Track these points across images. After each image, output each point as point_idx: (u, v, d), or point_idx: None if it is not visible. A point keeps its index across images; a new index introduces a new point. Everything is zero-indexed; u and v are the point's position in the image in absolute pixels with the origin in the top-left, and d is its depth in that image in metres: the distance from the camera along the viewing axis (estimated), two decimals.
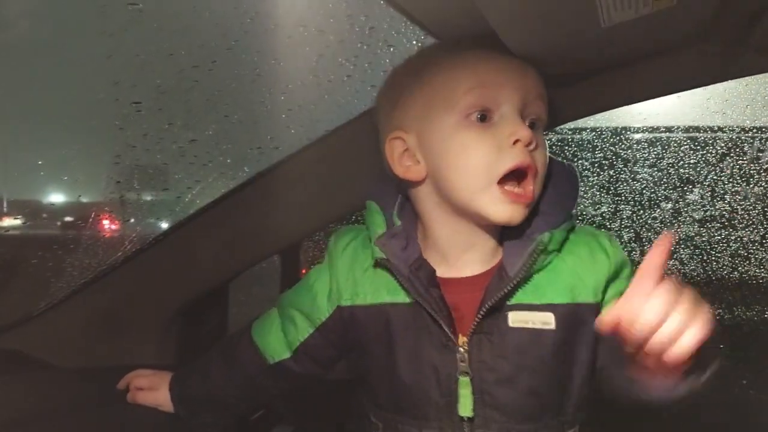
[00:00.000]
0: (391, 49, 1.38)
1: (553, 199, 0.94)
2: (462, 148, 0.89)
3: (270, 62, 1.32)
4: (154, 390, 1.14)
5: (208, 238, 1.27)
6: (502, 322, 0.90)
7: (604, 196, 2.22)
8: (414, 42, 1.27)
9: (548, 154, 0.95)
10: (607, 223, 2.19)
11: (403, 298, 0.94)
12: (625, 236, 2.22)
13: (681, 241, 2.20)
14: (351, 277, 0.99)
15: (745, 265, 2.16)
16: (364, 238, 1.00)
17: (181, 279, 1.28)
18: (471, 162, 0.89)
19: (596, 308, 0.91)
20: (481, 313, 0.89)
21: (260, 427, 1.28)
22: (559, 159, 0.99)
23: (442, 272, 0.94)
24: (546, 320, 0.89)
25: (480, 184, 0.88)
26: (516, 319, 0.90)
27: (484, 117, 0.89)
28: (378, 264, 0.95)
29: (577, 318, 0.90)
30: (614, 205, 2.22)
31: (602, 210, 2.20)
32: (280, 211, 1.23)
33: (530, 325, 0.89)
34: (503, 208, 0.88)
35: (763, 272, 2.14)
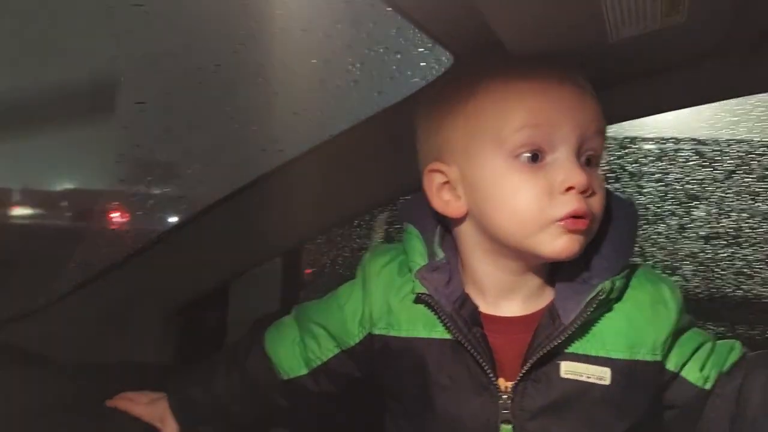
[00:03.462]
0: (399, 56, 1.37)
1: (613, 241, 0.86)
2: (510, 191, 0.81)
3: (275, 66, 1.32)
4: (149, 404, 1.07)
5: (209, 238, 1.27)
6: (552, 371, 0.84)
7: None
8: (421, 49, 1.27)
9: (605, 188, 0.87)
10: None
11: (440, 333, 0.88)
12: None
13: (685, 257, 2.19)
14: (386, 305, 0.92)
15: (749, 284, 2.15)
16: (401, 263, 0.93)
17: (181, 278, 1.29)
18: (520, 207, 0.81)
19: (656, 367, 0.85)
20: (533, 359, 0.83)
21: (255, 430, 1.27)
22: (618, 194, 0.91)
23: (482, 309, 0.88)
24: (601, 375, 0.83)
25: (532, 228, 0.81)
26: (569, 369, 0.84)
27: (536, 157, 0.81)
28: (419, 299, 0.88)
29: (633, 375, 0.84)
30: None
31: None
32: (282, 214, 1.22)
33: (584, 378, 0.84)
34: (561, 241, 0.80)
35: (767, 291, 2.13)
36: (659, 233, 2.20)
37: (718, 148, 2.17)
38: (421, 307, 0.89)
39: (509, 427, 0.85)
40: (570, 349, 0.84)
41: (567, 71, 0.84)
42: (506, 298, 0.89)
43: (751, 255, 2.16)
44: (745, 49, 0.98)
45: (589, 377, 0.83)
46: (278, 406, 1.05)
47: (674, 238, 2.20)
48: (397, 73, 1.23)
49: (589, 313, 0.82)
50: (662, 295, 0.87)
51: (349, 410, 1.27)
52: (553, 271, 0.88)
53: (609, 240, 0.86)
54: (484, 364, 0.85)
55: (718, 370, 0.87)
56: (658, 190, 2.20)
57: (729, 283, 2.18)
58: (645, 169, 2.21)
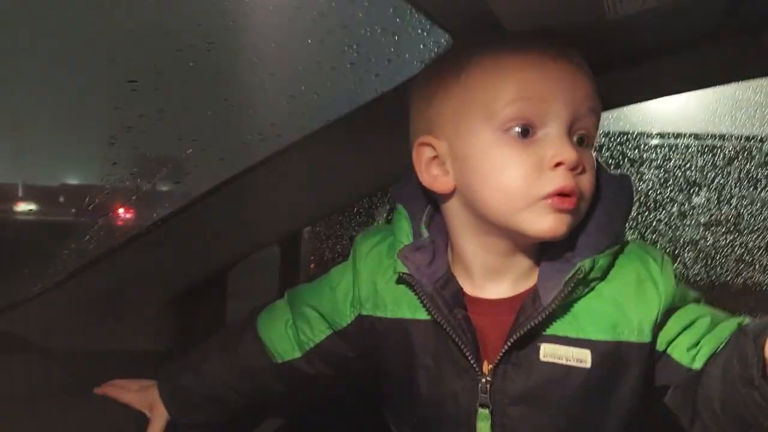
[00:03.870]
0: (396, 38, 1.34)
1: (600, 219, 0.83)
2: (499, 166, 0.79)
3: (269, 45, 1.28)
4: (139, 391, 1.06)
5: (205, 224, 1.25)
6: (532, 354, 0.81)
7: None
8: (419, 31, 1.25)
9: (597, 165, 0.84)
10: None
11: (424, 315, 0.86)
12: (629, 238, 2.21)
13: (685, 245, 2.19)
14: (372, 286, 0.92)
15: (749, 271, 2.15)
16: (390, 244, 0.91)
17: (178, 265, 1.27)
18: (508, 183, 0.78)
19: (644, 348, 0.81)
20: (510, 341, 0.81)
21: (249, 420, 1.24)
22: (611, 171, 0.88)
23: (468, 290, 0.87)
24: (581, 357, 0.80)
25: (518, 205, 0.78)
26: (548, 352, 0.81)
27: (527, 132, 0.78)
28: (401, 279, 0.87)
29: (617, 358, 0.80)
30: None
31: None
32: (279, 200, 1.22)
33: (563, 361, 0.80)
34: (549, 219, 0.78)
35: (767, 278, 2.12)
36: (659, 220, 2.20)
37: (719, 135, 2.16)
38: (406, 287, 0.88)
39: (486, 411, 0.83)
40: (550, 331, 0.81)
41: (562, 48, 0.81)
42: (494, 279, 0.87)
43: (751, 242, 2.16)
44: (745, 32, 0.97)
45: (568, 360, 0.81)
46: (272, 391, 1.05)
47: (674, 225, 2.19)
48: (395, 56, 1.20)
49: (567, 292, 0.79)
50: (650, 271, 0.82)
51: (348, 393, 1.27)
52: (542, 252, 0.86)
53: (595, 218, 0.83)
54: (462, 346, 0.83)
55: (715, 347, 0.79)
56: (658, 177, 2.19)
57: (729, 271, 2.17)
58: (646, 155, 2.20)
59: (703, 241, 2.19)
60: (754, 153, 2.13)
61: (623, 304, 0.81)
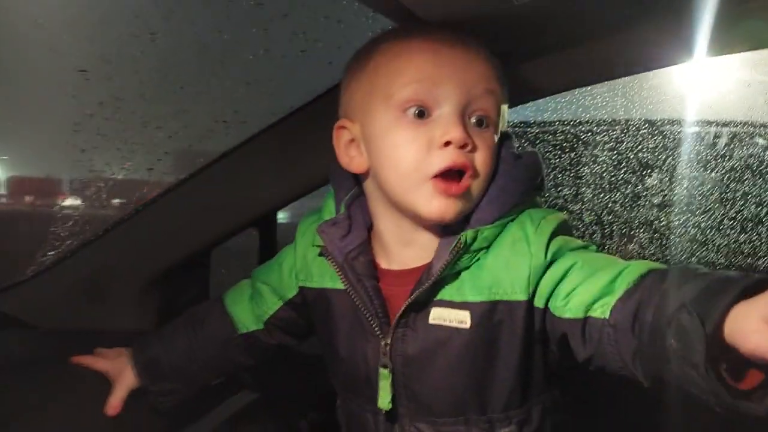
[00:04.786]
0: (342, 25, 1.37)
1: (493, 194, 0.90)
2: (395, 145, 0.87)
3: (213, 33, 1.30)
4: (111, 357, 1.13)
5: (185, 209, 1.32)
6: (424, 318, 0.90)
7: (566, 179, 2.26)
8: (364, 18, 1.29)
9: (504, 144, 0.92)
10: (569, 206, 2.27)
11: (341, 284, 0.95)
12: (586, 219, 2.28)
13: (640, 225, 2.24)
14: (304, 259, 1.02)
15: (703, 251, 2.18)
16: None
17: (160, 248, 1.34)
18: (402, 161, 0.86)
19: (519, 306, 0.87)
20: (403, 307, 0.90)
21: (221, 395, 1.29)
22: (518, 150, 0.94)
23: (384, 263, 0.96)
24: (462, 318, 0.88)
25: (411, 183, 0.86)
26: (436, 315, 0.90)
27: (422, 113, 0.86)
28: (321, 252, 0.97)
29: (494, 317, 0.87)
30: (575, 188, 2.26)
31: (564, 192, 2.28)
32: (253, 184, 1.28)
33: (447, 323, 0.89)
34: (436, 203, 0.86)
35: (720, 258, 2.16)
36: (614, 202, 2.24)
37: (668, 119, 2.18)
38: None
39: (386, 371, 0.93)
40: (439, 297, 0.90)
41: (460, 35, 0.89)
42: (404, 252, 0.95)
43: (703, 222, 2.19)
44: (669, 16, 0.97)
45: (452, 322, 0.89)
46: (236, 363, 1.14)
47: (629, 206, 2.23)
48: (345, 43, 1.24)
49: (451, 262, 0.87)
50: (525, 231, 0.88)
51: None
52: (445, 226, 0.92)
53: (489, 193, 0.90)
54: (366, 312, 0.92)
55: (599, 294, 0.79)
56: (612, 159, 2.23)
57: (683, 251, 2.21)
58: (599, 138, 2.24)
59: (657, 222, 2.22)
60: (703, 135, 2.16)
61: (498, 266, 0.88)
